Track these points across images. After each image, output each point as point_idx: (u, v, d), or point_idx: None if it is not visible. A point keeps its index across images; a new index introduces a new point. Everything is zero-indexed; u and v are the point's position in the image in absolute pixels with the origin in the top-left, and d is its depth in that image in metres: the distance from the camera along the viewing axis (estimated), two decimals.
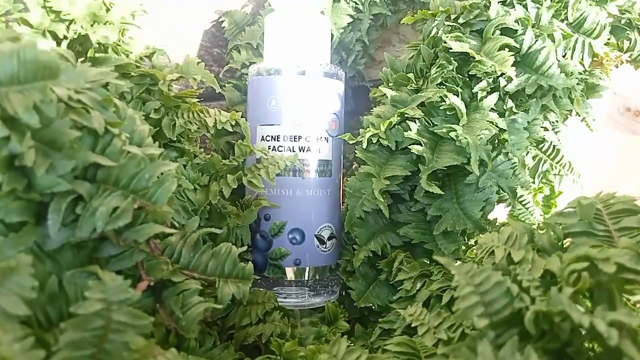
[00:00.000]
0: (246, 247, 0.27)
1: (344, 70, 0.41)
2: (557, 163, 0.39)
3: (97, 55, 0.28)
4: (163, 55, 0.32)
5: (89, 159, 0.21)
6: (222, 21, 0.46)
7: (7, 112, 0.18)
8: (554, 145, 0.39)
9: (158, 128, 0.30)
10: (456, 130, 0.32)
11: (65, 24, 0.27)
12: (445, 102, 0.33)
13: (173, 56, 0.45)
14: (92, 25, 0.28)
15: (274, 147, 0.37)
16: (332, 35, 0.44)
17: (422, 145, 0.33)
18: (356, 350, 0.24)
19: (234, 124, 0.32)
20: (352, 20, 0.45)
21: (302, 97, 0.37)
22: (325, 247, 0.38)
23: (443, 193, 0.32)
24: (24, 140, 0.19)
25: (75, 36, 0.28)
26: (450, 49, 0.34)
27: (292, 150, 0.37)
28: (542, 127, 0.37)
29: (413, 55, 0.38)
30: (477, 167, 0.31)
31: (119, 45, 0.29)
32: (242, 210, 0.36)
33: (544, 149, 0.39)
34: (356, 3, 0.45)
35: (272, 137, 0.37)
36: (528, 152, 0.38)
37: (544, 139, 0.38)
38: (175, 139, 0.30)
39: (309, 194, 0.37)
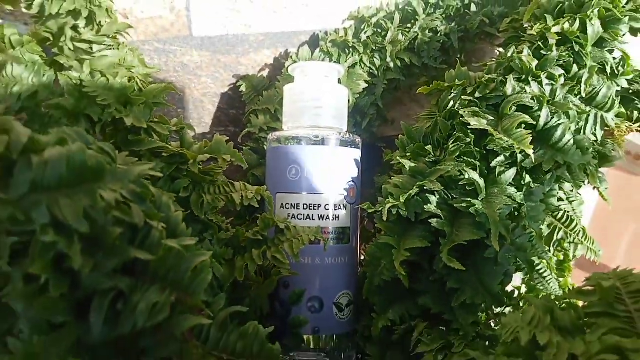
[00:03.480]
0: (273, 327, 0.27)
1: (359, 133, 0.42)
2: (571, 231, 0.39)
3: (130, 137, 0.29)
4: (191, 130, 0.33)
5: (130, 255, 0.21)
6: (240, 85, 0.47)
7: (57, 217, 0.19)
8: (568, 214, 0.39)
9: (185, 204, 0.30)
10: (475, 205, 0.33)
11: (100, 107, 0.28)
12: (464, 176, 0.34)
13: (193, 116, 0.46)
14: (125, 107, 0.29)
15: (293, 215, 0.38)
16: (349, 101, 0.45)
17: (441, 219, 0.34)
18: None
19: (259, 199, 0.32)
20: (367, 85, 0.46)
21: (322, 167, 0.38)
22: (344, 315, 0.38)
23: (465, 269, 0.32)
24: (73, 246, 0.19)
25: (110, 119, 0.28)
26: (468, 123, 0.35)
27: (311, 218, 0.38)
28: (557, 197, 0.38)
29: (430, 126, 0.39)
30: (497, 242, 0.32)
31: (150, 126, 0.30)
32: (261, 278, 0.36)
33: (558, 217, 0.40)
34: (371, 69, 0.46)
35: (291, 205, 0.38)
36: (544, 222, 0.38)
37: (558, 208, 0.39)
38: (203, 216, 0.30)
39: (327, 262, 0.38)
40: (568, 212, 0.39)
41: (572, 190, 0.39)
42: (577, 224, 0.40)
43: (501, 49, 0.52)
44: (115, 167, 0.21)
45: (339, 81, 0.42)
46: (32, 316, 0.20)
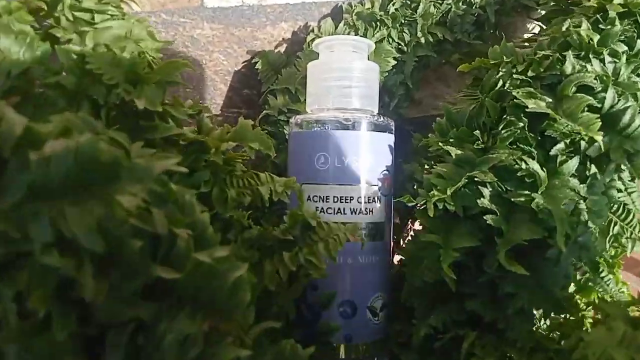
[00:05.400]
0: (313, 348, 0.23)
1: (389, 117, 0.37)
2: (628, 225, 0.35)
3: (142, 123, 0.24)
4: (208, 113, 0.28)
5: (153, 274, 0.17)
6: (255, 62, 0.42)
7: (62, 233, 0.15)
8: (627, 206, 0.35)
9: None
10: (536, 199, 0.29)
11: (106, 87, 0.24)
12: (520, 166, 0.30)
13: (204, 96, 0.42)
14: (135, 87, 0.24)
15: (322, 208, 0.33)
16: None
17: (496, 215, 0.30)
18: None
19: (289, 193, 0.28)
20: (395, 62, 0.41)
21: (354, 154, 0.34)
22: (378, 320, 0.34)
23: (528, 274, 0.28)
24: (83, 269, 0.15)
25: (117, 101, 0.24)
26: (522, 105, 0.31)
27: (342, 212, 0.33)
28: (617, 188, 0.34)
29: (475, 107, 0.35)
30: (564, 243, 0.28)
31: (165, 109, 0.25)
32: (288, 279, 0.32)
33: (613, 210, 0.36)
34: (399, 44, 0.42)
35: (320, 197, 0.34)
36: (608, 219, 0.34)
37: (618, 200, 0.35)
38: (228, 215, 0.26)
39: (360, 261, 0.34)
40: (627, 204, 0.35)
41: (631, 180, 0.35)
42: (633, 217, 0.36)
43: (539, 24, 0.48)
44: (132, 162, 0.17)
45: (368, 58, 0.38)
46: None
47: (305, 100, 0.37)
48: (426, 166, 0.42)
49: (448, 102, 0.45)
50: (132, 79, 0.24)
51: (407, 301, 0.34)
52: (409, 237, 0.36)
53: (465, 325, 0.32)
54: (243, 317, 0.23)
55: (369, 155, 0.34)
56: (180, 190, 0.20)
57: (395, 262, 0.39)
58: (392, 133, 0.36)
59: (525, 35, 0.49)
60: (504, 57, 0.34)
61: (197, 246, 0.19)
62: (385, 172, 0.35)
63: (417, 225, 0.44)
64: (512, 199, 0.30)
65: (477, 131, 0.33)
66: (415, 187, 0.43)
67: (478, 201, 0.30)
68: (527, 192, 0.30)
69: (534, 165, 0.30)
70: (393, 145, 0.36)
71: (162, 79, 0.25)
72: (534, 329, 0.31)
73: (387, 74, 0.42)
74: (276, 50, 0.44)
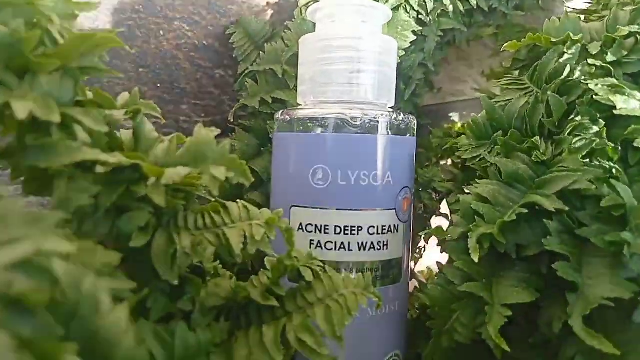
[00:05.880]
0: None
1: (399, 106, 0.28)
2: None
3: (29, 141, 0.15)
4: (153, 113, 0.19)
5: None
6: (230, 34, 0.32)
7: None
8: None
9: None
10: (627, 241, 0.20)
11: None
12: (601, 191, 0.21)
13: (161, 78, 0.32)
14: (22, 78, 0.15)
15: (318, 243, 0.24)
16: None
17: (569, 261, 0.21)
18: None
19: (273, 237, 0.19)
20: (414, 38, 0.32)
21: (364, 167, 0.24)
22: None
23: (619, 354, 0.20)
24: None
25: None
26: (604, 104, 0.22)
27: (346, 248, 0.24)
28: None
29: (528, 103, 0.25)
30: None
31: (72, 116, 0.15)
32: None
33: None
34: (420, 14, 0.32)
35: (317, 227, 0.24)
36: None
37: None
38: (177, 282, 0.17)
39: (369, 315, 0.25)
40: None
41: None
42: None
43: None
44: None
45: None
46: None
47: (295, 87, 0.28)
48: (449, 171, 0.33)
49: (476, 89, 0.36)
50: (15, 65, 0.15)
51: None
52: (434, 274, 0.27)
53: None
54: None
55: (384, 168, 0.25)
56: (72, 277, 0.11)
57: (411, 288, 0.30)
58: (413, 135, 0.27)
59: (569, 6, 0.39)
60: (571, 35, 0.25)
61: None
62: (406, 190, 0.26)
63: (434, 244, 0.36)
64: (593, 240, 0.21)
65: (537, 137, 0.24)
66: (435, 197, 0.34)
67: (544, 241, 0.21)
68: (608, 228, 0.21)
69: (625, 194, 0.21)
70: (415, 152, 0.27)
71: (69, 64, 0.16)
72: None
73: (402, 52, 0.32)
74: (258, 19, 0.34)
